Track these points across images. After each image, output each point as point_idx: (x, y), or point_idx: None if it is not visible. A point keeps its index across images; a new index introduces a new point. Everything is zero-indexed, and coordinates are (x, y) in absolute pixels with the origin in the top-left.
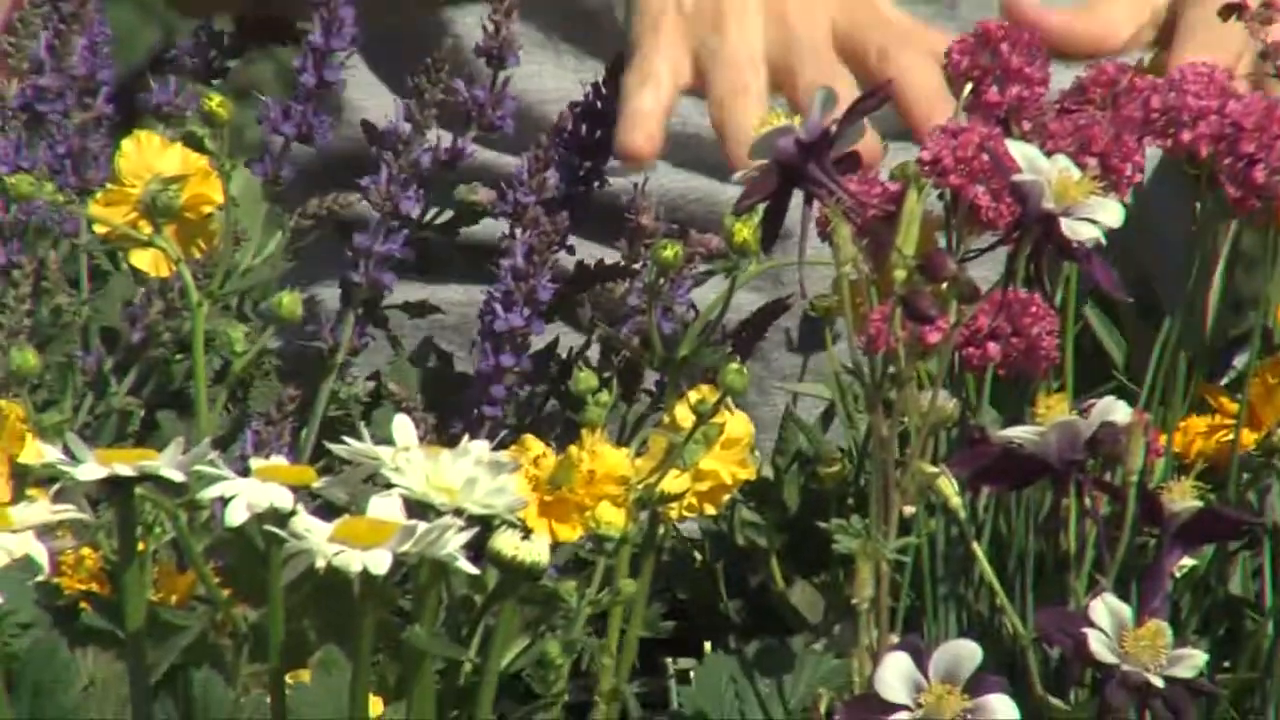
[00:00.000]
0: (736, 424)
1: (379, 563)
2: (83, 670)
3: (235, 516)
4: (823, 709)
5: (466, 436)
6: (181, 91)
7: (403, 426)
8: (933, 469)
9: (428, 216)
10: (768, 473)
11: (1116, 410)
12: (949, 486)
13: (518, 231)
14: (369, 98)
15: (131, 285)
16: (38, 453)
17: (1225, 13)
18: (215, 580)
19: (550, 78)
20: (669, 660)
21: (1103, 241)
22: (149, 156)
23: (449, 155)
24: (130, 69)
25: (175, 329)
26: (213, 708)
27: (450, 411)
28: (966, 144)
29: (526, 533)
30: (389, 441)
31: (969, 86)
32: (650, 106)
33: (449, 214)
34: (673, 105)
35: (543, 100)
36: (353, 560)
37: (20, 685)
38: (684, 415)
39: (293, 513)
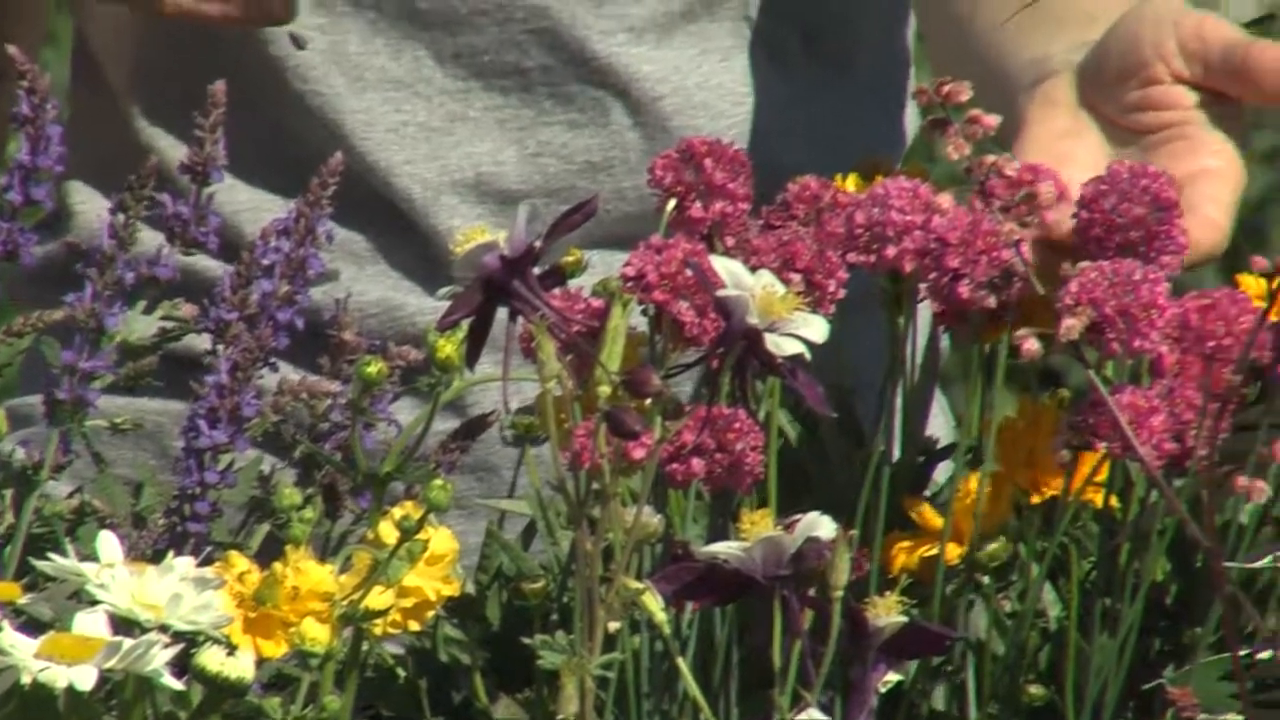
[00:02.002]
0: (440, 540)
1: (84, 678)
2: None
3: None
4: None
5: (172, 552)
6: None
7: (108, 543)
8: (637, 585)
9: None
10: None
11: (821, 525)
12: (654, 602)
13: (220, 348)
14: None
15: None
16: None
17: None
18: None
19: (244, 191)
20: None
21: (807, 357)
22: None
23: (152, 270)
24: None
25: None
26: None
27: None
28: (670, 259)
29: (231, 649)
30: (94, 558)
31: (673, 202)
32: None
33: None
34: None
35: (236, 212)
36: (58, 676)
37: None
38: (388, 532)
39: None
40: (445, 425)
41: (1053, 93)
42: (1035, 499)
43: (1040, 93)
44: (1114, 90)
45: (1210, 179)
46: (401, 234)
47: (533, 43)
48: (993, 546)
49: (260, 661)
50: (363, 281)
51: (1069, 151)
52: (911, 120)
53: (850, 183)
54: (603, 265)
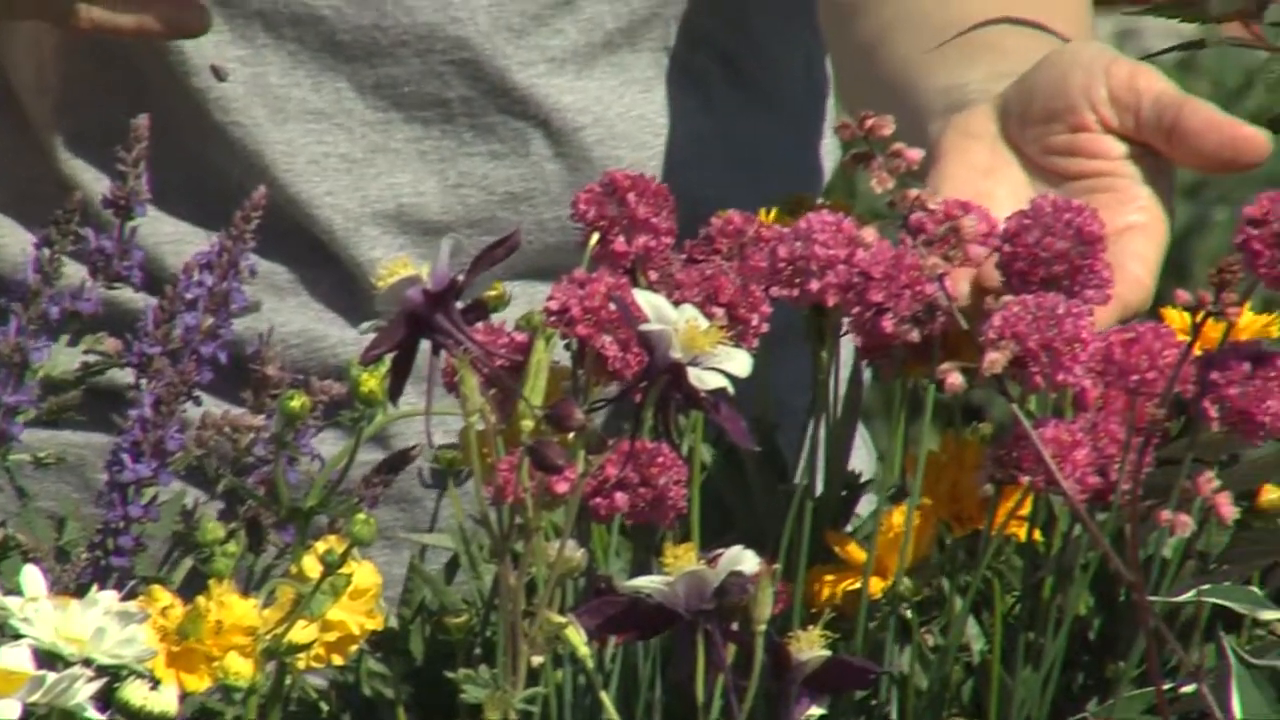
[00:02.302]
0: (363, 575)
1: (8, 712)
2: None
3: None
4: None
5: (95, 586)
6: None
7: (32, 577)
8: (560, 619)
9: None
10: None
11: (744, 560)
12: (577, 636)
13: (144, 382)
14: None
15: None
16: None
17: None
18: None
19: (166, 223)
20: None
21: (730, 390)
22: None
23: (75, 304)
24: None
25: None
26: None
27: None
28: (594, 294)
29: (155, 683)
30: (18, 592)
31: (596, 236)
32: None
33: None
34: None
35: (159, 244)
36: None
37: None
38: (311, 566)
39: None
40: (369, 458)
41: (970, 124)
42: (959, 533)
43: (956, 124)
44: (1039, 131)
45: (1135, 235)
46: (323, 265)
47: (453, 74)
48: (910, 583)
49: (184, 695)
50: (284, 313)
51: (990, 191)
52: (830, 152)
53: (773, 216)
54: (525, 296)
